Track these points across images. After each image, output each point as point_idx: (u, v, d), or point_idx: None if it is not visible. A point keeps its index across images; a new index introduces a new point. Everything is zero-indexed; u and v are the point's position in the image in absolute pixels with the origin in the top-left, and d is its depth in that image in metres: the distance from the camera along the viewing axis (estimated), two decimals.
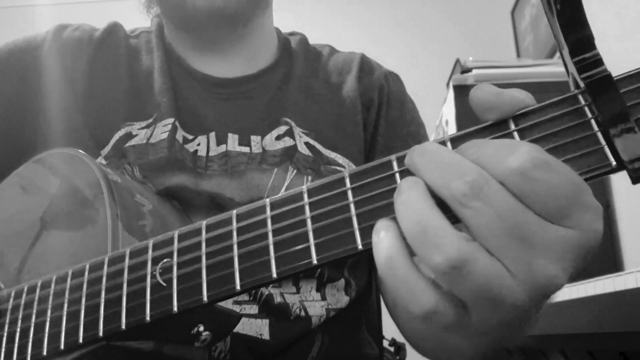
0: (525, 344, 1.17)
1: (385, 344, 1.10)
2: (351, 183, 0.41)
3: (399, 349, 1.13)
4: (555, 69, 1.94)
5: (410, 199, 0.35)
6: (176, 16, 0.82)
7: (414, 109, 0.89)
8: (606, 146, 0.34)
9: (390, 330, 0.91)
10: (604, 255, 1.68)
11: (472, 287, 0.34)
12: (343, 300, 0.77)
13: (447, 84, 2.15)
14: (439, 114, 2.24)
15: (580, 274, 0.35)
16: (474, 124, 0.38)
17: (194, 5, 0.75)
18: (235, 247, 0.44)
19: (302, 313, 0.73)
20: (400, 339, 0.88)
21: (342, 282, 0.77)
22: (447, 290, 0.35)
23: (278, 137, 0.77)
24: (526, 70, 1.98)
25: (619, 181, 1.68)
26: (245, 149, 0.76)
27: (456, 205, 0.34)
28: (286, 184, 0.75)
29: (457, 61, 2.06)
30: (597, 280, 0.85)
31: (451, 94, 2.02)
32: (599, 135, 0.34)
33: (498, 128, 0.37)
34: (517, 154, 0.33)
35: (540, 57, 2.41)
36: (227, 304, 0.69)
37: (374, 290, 0.88)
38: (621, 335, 0.80)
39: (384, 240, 0.36)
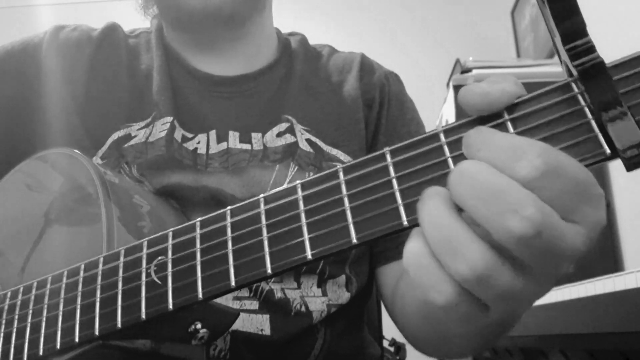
0: (526, 344, 1.17)
1: (385, 344, 1.10)
2: (345, 176, 0.41)
3: (399, 349, 1.12)
4: (555, 68, 1.94)
5: (432, 208, 0.35)
6: (172, 17, 0.82)
7: (413, 108, 0.89)
8: (600, 134, 0.34)
9: (390, 330, 0.91)
10: (604, 255, 1.68)
11: (494, 295, 0.34)
12: (344, 296, 0.77)
13: (447, 84, 2.15)
14: (439, 114, 2.24)
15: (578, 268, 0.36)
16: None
17: (189, 6, 0.75)
18: (229, 243, 0.44)
19: (303, 309, 0.73)
20: (400, 339, 0.88)
21: (343, 278, 0.77)
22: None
23: (279, 134, 0.78)
24: (526, 70, 1.98)
25: (619, 181, 1.67)
26: (247, 146, 0.76)
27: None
28: (288, 180, 0.75)
29: (457, 61, 2.06)
30: (597, 280, 0.85)
31: (451, 94, 2.02)
32: (593, 123, 0.34)
33: (491, 118, 0.37)
34: (525, 160, 0.32)
35: (540, 57, 2.41)
36: (228, 299, 0.69)
37: (374, 290, 0.87)
38: (621, 335, 0.80)
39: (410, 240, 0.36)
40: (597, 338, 0.87)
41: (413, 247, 0.36)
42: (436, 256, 0.35)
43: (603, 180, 1.71)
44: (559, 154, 0.33)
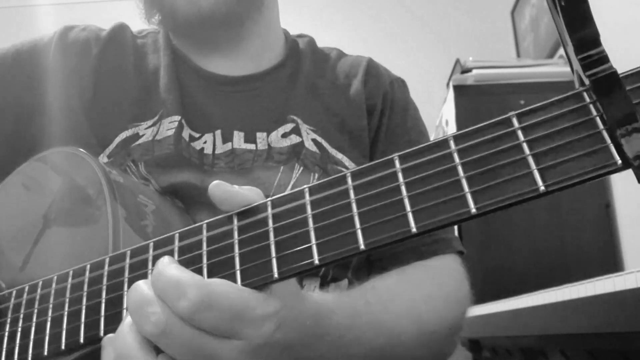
0: (526, 344, 1.17)
1: None
2: (353, 181, 0.41)
3: None
4: (555, 69, 1.94)
5: (121, 330, 0.44)
6: (171, 25, 0.83)
7: (416, 116, 0.89)
8: (612, 145, 0.33)
9: None
10: (604, 255, 1.68)
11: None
12: None
13: (447, 84, 2.15)
14: (439, 114, 2.24)
15: None
16: (473, 124, 0.38)
17: (183, 13, 0.75)
18: (236, 246, 0.44)
19: None
20: None
21: (345, 282, 0.77)
22: None
23: (284, 135, 0.78)
24: (526, 70, 1.98)
25: (619, 181, 1.68)
26: (251, 146, 0.77)
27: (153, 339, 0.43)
28: (292, 181, 0.75)
29: (457, 61, 2.06)
30: (597, 280, 0.85)
31: (451, 94, 2.02)
32: (605, 133, 0.34)
33: (501, 127, 0.37)
34: (184, 299, 0.41)
35: (540, 57, 2.41)
36: None
37: None
38: (621, 335, 0.80)
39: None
40: (597, 338, 0.87)
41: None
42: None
43: (603, 180, 1.71)
44: (214, 289, 0.41)
